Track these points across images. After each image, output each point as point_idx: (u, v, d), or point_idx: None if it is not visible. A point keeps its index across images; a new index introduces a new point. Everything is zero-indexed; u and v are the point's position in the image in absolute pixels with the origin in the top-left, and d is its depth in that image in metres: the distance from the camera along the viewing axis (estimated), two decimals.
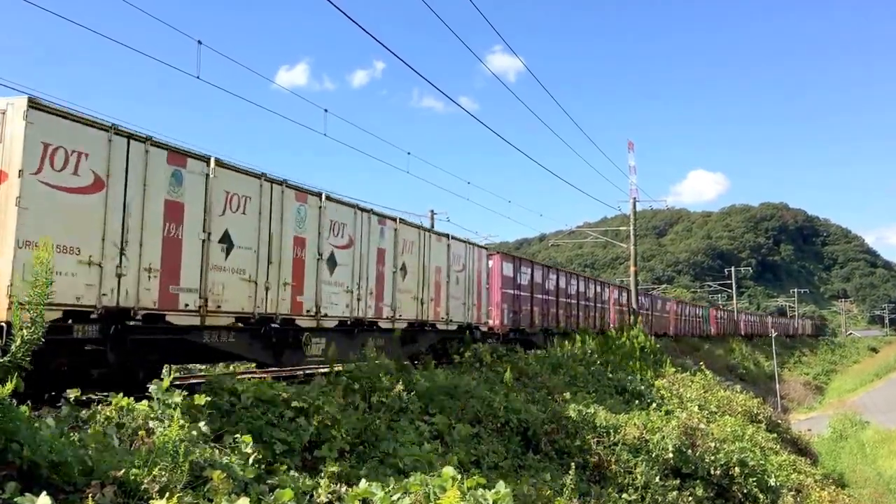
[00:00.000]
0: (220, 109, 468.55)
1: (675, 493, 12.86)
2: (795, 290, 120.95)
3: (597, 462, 12.45)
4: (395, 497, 5.91)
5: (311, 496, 6.58)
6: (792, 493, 16.62)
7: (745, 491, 15.03)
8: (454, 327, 18.00)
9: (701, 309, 63.80)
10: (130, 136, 9.02)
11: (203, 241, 10.02)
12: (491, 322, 20.93)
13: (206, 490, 4.93)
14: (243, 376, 11.15)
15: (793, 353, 79.90)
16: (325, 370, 12.22)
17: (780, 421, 29.00)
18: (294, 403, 8.20)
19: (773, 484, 16.22)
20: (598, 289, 34.21)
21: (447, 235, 18.25)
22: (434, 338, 17.10)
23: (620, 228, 46.06)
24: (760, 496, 15.12)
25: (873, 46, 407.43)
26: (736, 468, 15.20)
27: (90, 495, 4.20)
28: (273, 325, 11.45)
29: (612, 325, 34.03)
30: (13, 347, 4.61)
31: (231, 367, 15.35)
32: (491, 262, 21.59)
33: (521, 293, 23.54)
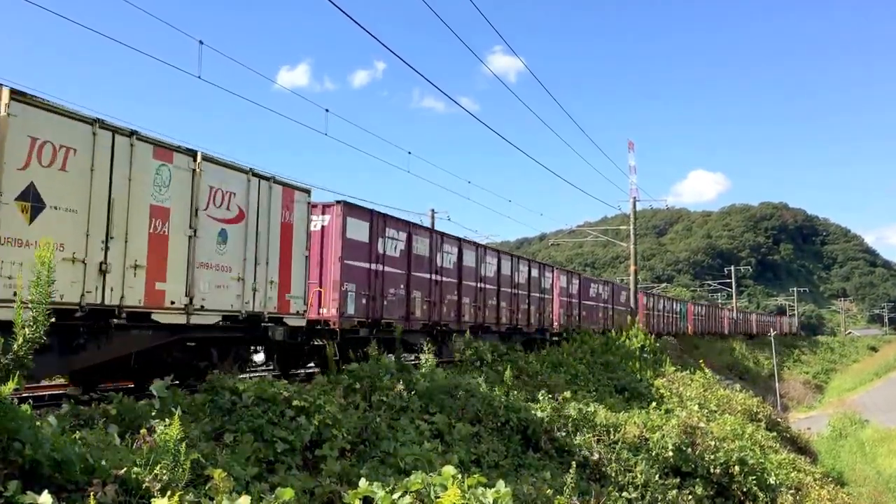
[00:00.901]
0: (221, 109, 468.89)
1: (674, 491, 12.88)
2: (795, 289, 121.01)
3: (597, 460, 12.46)
4: (395, 496, 5.91)
5: (312, 495, 6.60)
6: (791, 491, 16.63)
7: (744, 489, 15.05)
8: (214, 319, 10.64)
9: (678, 303, 55.71)
10: None
11: None
12: (325, 312, 13.95)
13: (207, 488, 4.94)
14: (244, 375, 11.13)
15: (792, 351, 79.95)
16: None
17: (779, 420, 29.00)
18: (295, 402, 8.21)
19: (772, 482, 16.23)
20: (535, 272, 25.32)
21: (193, 154, 10.44)
22: (149, 339, 9.77)
23: (621, 228, 46.07)
24: (760, 494, 15.13)
25: (873, 46, 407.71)
26: (735, 467, 15.21)
27: (92, 494, 4.21)
28: None
29: (556, 323, 27.39)
30: (15, 346, 4.62)
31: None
32: (325, 218, 14.47)
33: (388, 269, 15.89)
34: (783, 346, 76.04)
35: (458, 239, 20.26)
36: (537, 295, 25.59)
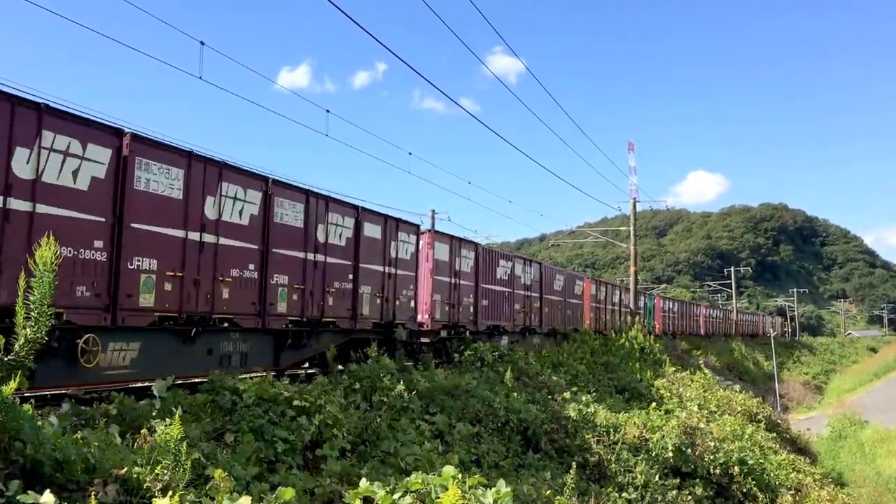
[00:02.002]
0: (222, 110, 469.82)
1: (674, 492, 12.89)
2: (794, 289, 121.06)
3: (597, 461, 12.48)
4: (396, 496, 5.92)
5: (313, 495, 6.61)
6: (791, 492, 16.64)
7: (744, 490, 15.06)
8: None
9: (644, 298, 43.66)
10: None
11: None
12: None
13: (207, 488, 4.95)
14: (245, 376, 11.12)
15: (792, 352, 79.97)
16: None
17: (779, 420, 29.01)
18: (296, 402, 8.22)
19: (772, 483, 16.25)
20: (374, 231, 15.20)
21: None
22: None
23: (621, 228, 45.89)
24: (760, 495, 15.14)
25: (873, 46, 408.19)
26: (735, 467, 15.22)
27: (93, 493, 4.21)
28: None
29: (425, 317, 17.36)
30: (16, 346, 4.62)
31: None
32: None
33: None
34: (783, 346, 75.99)
35: (183, 154, 10.57)
36: (379, 269, 15.18)
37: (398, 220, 16.51)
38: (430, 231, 18.81)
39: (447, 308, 18.60)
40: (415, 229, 17.38)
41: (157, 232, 10.01)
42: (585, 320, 31.37)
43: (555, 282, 27.72)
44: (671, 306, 50.96)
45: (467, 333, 19.24)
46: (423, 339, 17.56)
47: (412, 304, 16.81)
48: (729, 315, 72.64)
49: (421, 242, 17.77)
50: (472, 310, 20.06)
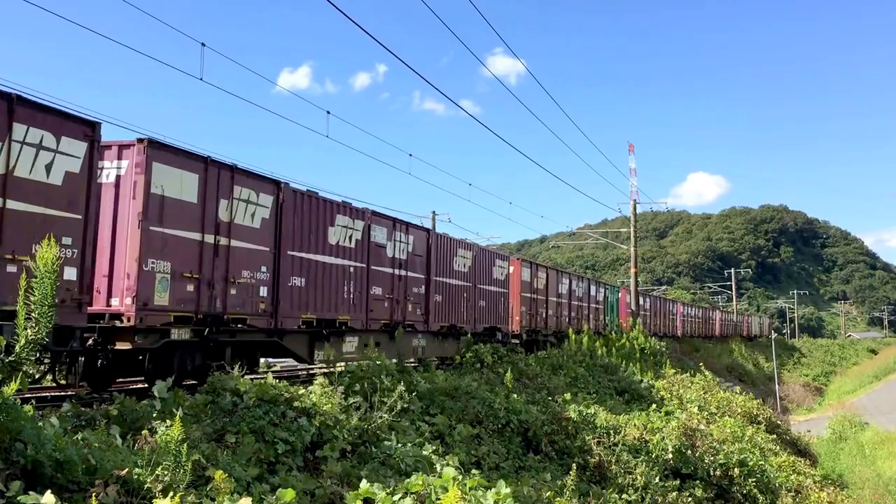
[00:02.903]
0: (223, 111, 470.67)
1: (674, 493, 12.88)
2: (795, 291, 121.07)
3: (597, 462, 12.47)
4: (396, 497, 5.92)
5: (313, 496, 6.61)
6: (791, 493, 16.64)
7: (744, 491, 15.05)
8: None
9: (601, 288, 35.13)
10: None
11: None
12: None
13: (208, 489, 4.95)
14: (246, 377, 11.10)
15: (792, 354, 79.97)
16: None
17: (779, 422, 29.01)
18: (296, 404, 8.23)
19: (772, 484, 16.24)
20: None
21: None
22: None
23: (621, 230, 45.74)
24: (760, 497, 15.13)
25: (873, 46, 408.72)
26: (735, 469, 15.22)
27: (94, 494, 4.22)
28: None
29: (126, 299, 9.59)
30: (17, 347, 4.63)
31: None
32: None
33: None
34: (783, 348, 75.96)
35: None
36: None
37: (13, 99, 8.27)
38: (143, 141, 10.02)
39: (192, 288, 10.70)
40: (85, 130, 9.08)
41: None
42: (512, 316, 23.33)
43: (455, 260, 19.49)
44: (641, 302, 41.65)
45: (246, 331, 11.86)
46: (121, 346, 9.87)
47: (79, 275, 8.88)
48: (710, 314, 65.91)
49: (121, 163, 10.08)
50: (264, 293, 12.17)
